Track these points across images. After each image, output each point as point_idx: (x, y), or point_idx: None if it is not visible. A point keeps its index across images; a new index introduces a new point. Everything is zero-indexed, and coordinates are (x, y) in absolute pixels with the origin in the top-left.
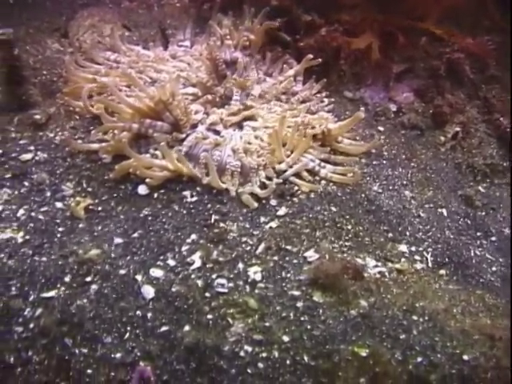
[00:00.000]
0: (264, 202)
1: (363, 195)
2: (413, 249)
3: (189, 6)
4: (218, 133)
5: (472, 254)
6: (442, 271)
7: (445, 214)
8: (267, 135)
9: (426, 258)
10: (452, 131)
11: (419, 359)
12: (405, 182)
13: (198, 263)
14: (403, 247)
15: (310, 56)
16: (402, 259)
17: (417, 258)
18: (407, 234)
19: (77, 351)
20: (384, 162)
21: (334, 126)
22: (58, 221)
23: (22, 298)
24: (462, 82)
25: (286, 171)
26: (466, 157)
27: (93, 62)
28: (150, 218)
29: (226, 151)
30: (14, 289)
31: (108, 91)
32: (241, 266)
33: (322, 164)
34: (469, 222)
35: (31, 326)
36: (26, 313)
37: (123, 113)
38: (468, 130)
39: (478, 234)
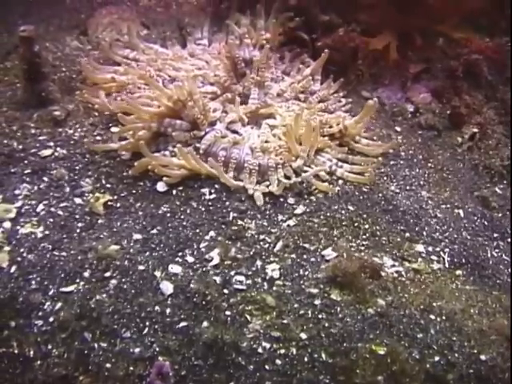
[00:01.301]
0: (282, 200)
1: (380, 195)
2: (430, 249)
3: (206, 4)
4: (236, 131)
5: (489, 255)
6: (459, 272)
7: (461, 214)
8: (283, 134)
9: (443, 259)
10: (469, 132)
11: (437, 358)
12: (422, 183)
13: (216, 260)
14: (420, 247)
15: (327, 51)
16: (419, 259)
17: (434, 258)
18: (424, 234)
19: (96, 345)
20: (401, 162)
21: (349, 122)
22: (77, 216)
23: (42, 292)
24: (480, 83)
25: (303, 169)
26: (483, 158)
27: (111, 60)
28: (168, 215)
29: (245, 150)
30: (33, 283)
31: (127, 90)
32: (259, 263)
33: (339, 164)
34: (485, 222)
35: (51, 319)
36: (45, 307)
37: (143, 115)
38: (485, 132)
39: (495, 235)
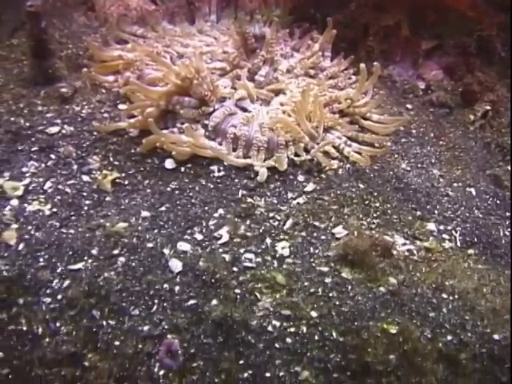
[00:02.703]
0: (291, 177)
1: (391, 173)
2: (441, 227)
3: None
4: (245, 108)
5: (501, 234)
6: (471, 250)
7: (473, 193)
8: (292, 110)
9: (455, 237)
10: (481, 110)
11: (449, 337)
12: (433, 161)
13: (225, 238)
14: (432, 226)
15: (331, 22)
16: (431, 238)
17: (445, 236)
18: (436, 212)
19: (104, 323)
20: (412, 139)
21: (353, 92)
22: (84, 194)
23: (50, 269)
24: (493, 59)
25: (313, 146)
26: (496, 136)
27: (118, 37)
28: (177, 192)
29: (254, 127)
30: (41, 260)
31: (134, 67)
32: (268, 241)
33: (348, 142)
34: (498, 201)
35: (59, 297)
36: (53, 284)
37: (152, 94)
38: (498, 109)
39: (507, 214)
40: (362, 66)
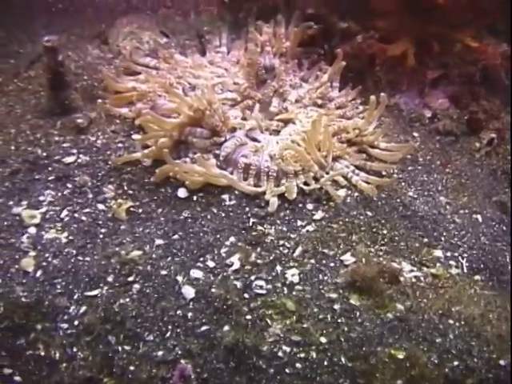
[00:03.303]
0: (301, 206)
1: (398, 200)
2: (448, 254)
3: (225, 12)
4: (255, 138)
5: (507, 260)
6: (478, 277)
7: (480, 219)
8: (302, 140)
9: (462, 264)
10: (487, 137)
11: (455, 363)
12: (440, 188)
13: (236, 265)
14: (438, 252)
15: (341, 54)
16: (438, 264)
17: (452, 263)
18: (442, 239)
19: (120, 348)
20: (419, 167)
21: (361, 122)
22: (100, 222)
23: (67, 296)
24: (497, 88)
25: (322, 175)
26: (501, 163)
27: (131, 69)
28: (189, 221)
29: (264, 156)
30: (59, 287)
31: (148, 98)
32: (279, 268)
33: (356, 171)
34: (504, 228)
35: (76, 323)
36: (70, 310)
37: (165, 126)
38: (503, 137)
39: None
40: (372, 97)
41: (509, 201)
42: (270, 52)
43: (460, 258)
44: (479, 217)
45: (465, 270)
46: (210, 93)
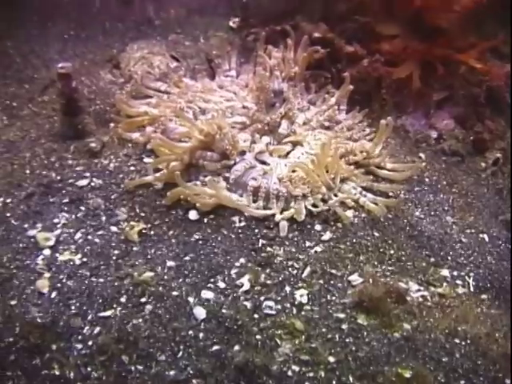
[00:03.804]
0: (309, 227)
1: (405, 221)
2: (455, 273)
3: (233, 37)
4: (264, 161)
5: None
6: (484, 296)
7: (486, 239)
8: (311, 162)
9: (468, 283)
10: (493, 157)
11: (462, 382)
12: (446, 208)
13: (246, 286)
14: (445, 272)
15: (348, 78)
16: (444, 283)
17: (459, 282)
18: (449, 258)
19: (133, 368)
20: (425, 188)
21: (369, 145)
22: (113, 244)
23: (81, 316)
24: (502, 108)
25: (330, 197)
26: (507, 182)
27: (143, 93)
28: (200, 242)
29: (272, 179)
30: (73, 308)
31: (159, 122)
32: (288, 288)
33: (363, 192)
34: (510, 247)
35: (90, 343)
36: (85, 331)
37: (177, 150)
38: (508, 156)
39: None
40: (382, 122)
41: None
42: (279, 76)
43: (466, 277)
44: (485, 236)
45: (471, 289)
46: (220, 118)
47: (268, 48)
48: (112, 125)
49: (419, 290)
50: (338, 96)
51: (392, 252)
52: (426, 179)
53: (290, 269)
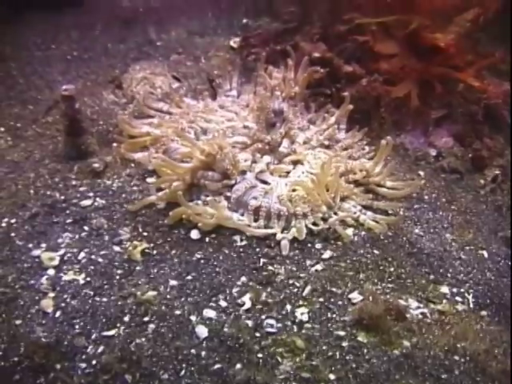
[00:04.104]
0: (309, 245)
1: (405, 238)
2: (454, 290)
3: (234, 57)
4: (264, 181)
5: None
6: (484, 312)
7: (485, 255)
8: (311, 181)
9: (468, 300)
10: (491, 174)
11: None
12: (445, 225)
13: (248, 304)
14: (445, 289)
15: (348, 97)
16: (444, 300)
17: (458, 299)
18: (449, 275)
19: None
20: (425, 205)
21: (369, 164)
22: (116, 264)
23: (85, 336)
24: (500, 126)
25: (330, 215)
26: (506, 199)
27: (145, 113)
28: (202, 262)
29: (273, 198)
30: (77, 327)
31: (161, 143)
32: (288, 307)
33: (363, 210)
34: (510, 263)
35: (94, 362)
36: (88, 350)
37: (179, 170)
38: (507, 173)
39: None
40: (383, 142)
41: None
42: (280, 96)
43: (466, 293)
44: (485, 253)
45: (471, 306)
46: (221, 138)
47: (269, 68)
48: (115, 145)
49: (419, 307)
50: (338, 115)
51: (392, 269)
52: (426, 197)
53: (290, 287)
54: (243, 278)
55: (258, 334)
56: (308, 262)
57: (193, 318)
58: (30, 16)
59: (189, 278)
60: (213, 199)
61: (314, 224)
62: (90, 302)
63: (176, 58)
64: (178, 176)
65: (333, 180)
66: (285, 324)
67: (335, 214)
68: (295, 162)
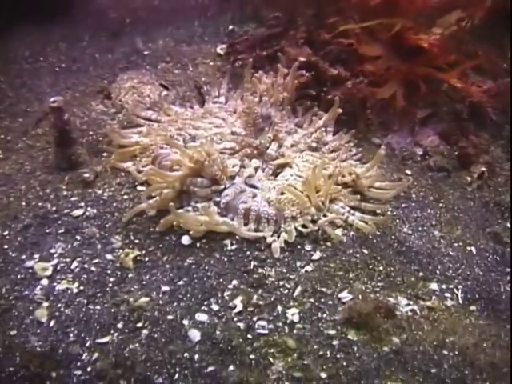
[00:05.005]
0: (299, 247)
1: (393, 237)
2: (443, 286)
3: (221, 64)
4: (253, 185)
5: (502, 290)
6: (473, 307)
7: (474, 251)
8: (300, 184)
9: (457, 295)
10: (478, 171)
11: None
12: (433, 223)
13: (239, 307)
14: (434, 285)
15: (337, 101)
16: (433, 297)
17: (447, 295)
18: (437, 272)
19: None
20: (413, 204)
21: (361, 170)
22: (108, 271)
23: (80, 343)
24: (485, 123)
25: (320, 217)
26: (493, 195)
27: (134, 122)
28: (193, 267)
29: (262, 202)
30: (71, 335)
31: (150, 151)
32: (279, 308)
33: (352, 211)
34: (498, 258)
35: (89, 369)
36: (83, 357)
37: (168, 179)
38: (493, 169)
39: (508, 269)
40: (380, 152)
41: (502, 231)
42: (268, 102)
43: (455, 289)
44: (473, 248)
45: (460, 301)
46: (209, 145)
47: (259, 73)
48: (105, 155)
49: (408, 305)
50: (326, 119)
51: (381, 268)
52: (413, 195)
53: (281, 289)
54: (234, 282)
55: (249, 336)
56: (298, 264)
57: (185, 322)
58: (17, 29)
59: (181, 283)
60: (205, 206)
61: (304, 226)
62: (83, 310)
63: (163, 67)
64: (167, 184)
65: (324, 183)
66: (276, 325)
67: (324, 215)
68: (283, 166)
